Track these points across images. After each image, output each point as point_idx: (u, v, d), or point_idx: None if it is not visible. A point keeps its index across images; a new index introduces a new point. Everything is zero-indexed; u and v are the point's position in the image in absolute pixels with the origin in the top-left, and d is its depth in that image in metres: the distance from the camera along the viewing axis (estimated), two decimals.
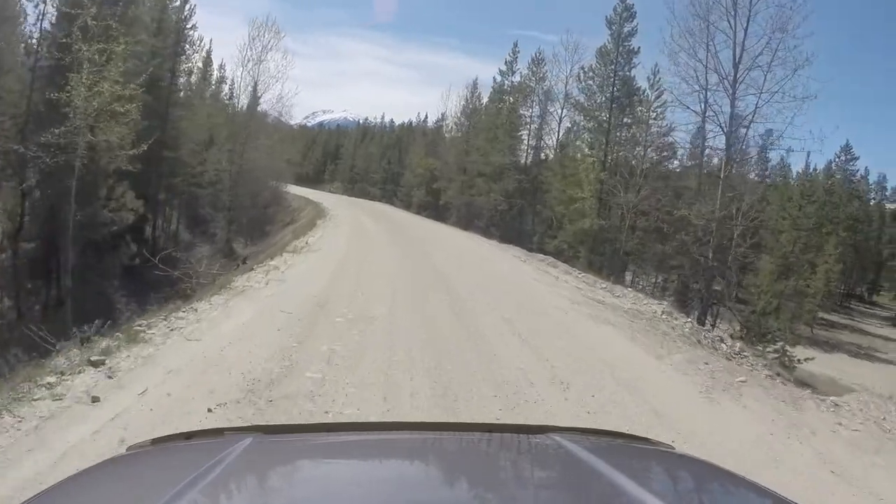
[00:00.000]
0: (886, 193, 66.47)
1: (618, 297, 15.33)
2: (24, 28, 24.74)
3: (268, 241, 34.64)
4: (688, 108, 24.65)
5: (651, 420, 6.10)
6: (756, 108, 22.71)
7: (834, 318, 46.22)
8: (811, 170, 44.57)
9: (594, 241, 31.32)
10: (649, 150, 32.20)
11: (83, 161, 19.80)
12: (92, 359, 6.47)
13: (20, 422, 4.81)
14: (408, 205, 56.72)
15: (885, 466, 5.62)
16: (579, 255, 30.44)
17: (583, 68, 35.48)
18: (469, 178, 43.66)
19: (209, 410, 5.28)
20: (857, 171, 57.30)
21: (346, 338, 7.88)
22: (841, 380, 26.03)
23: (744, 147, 24.52)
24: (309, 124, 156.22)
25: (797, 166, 48.20)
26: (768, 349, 20.96)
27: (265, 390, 5.85)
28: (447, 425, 2.71)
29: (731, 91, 22.88)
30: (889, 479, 5.37)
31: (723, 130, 23.90)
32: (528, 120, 42.60)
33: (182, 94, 38.94)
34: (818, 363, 24.93)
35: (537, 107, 41.89)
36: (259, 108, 41.18)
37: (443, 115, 58.59)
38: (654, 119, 32.32)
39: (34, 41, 23.49)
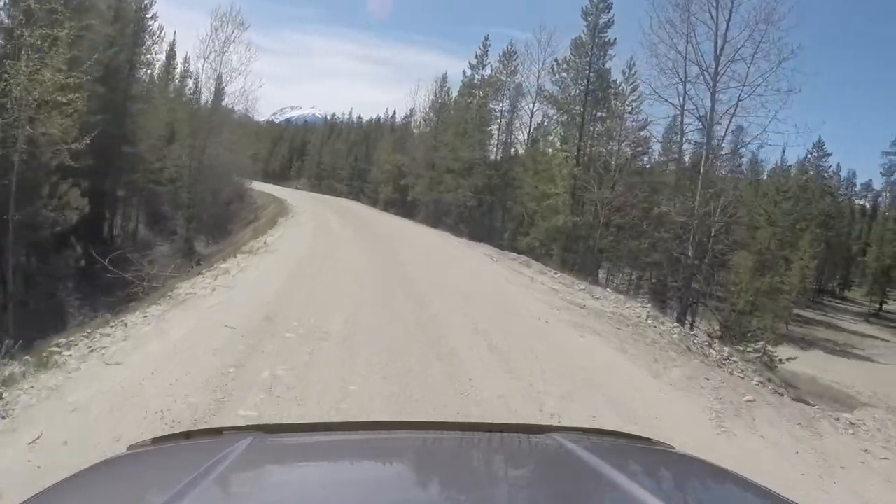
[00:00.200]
0: (856, 189, 67.36)
1: (598, 299, 14.33)
2: None
3: (230, 240, 33.30)
4: (666, 100, 23.67)
5: None
6: (738, 101, 21.80)
7: (808, 314, 46.10)
8: (787, 165, 44.42)
9: (567, 239, 30.45)
10: (624, 144, 31.41)
11: (23, 156, 18.31)
12: None
13: None
14: (375, 201, 55.90)
15: None
16: (552, 252, 29.66)
17: (556, 60, 34.68)
18: (437, 174, 42.81)
19: None
20: (830, 167, 58.16)
21: (294, 359, 6.69)
22: (821, 378, 25.73)
23: (721, 143, 23.70)
24: (276, 121, 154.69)
25: (770, 163, 48.15)
26: (748, 349, 20.41)
27: None
28: (447, 425, 2.56)
29: (711, 84, 21.94)
30: None
31: (703, 124, 23.01)
32: (499, 114, 41.95)
33: (142, 86, 37.60)
34: (796, 361, 24.43)
35: (508, 101, 41.14)
36: (223, 103, 39.96)
37: (411, 111, 57.93)
38: (630, 113, 31.53)
39: None
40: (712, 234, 22.62)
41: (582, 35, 32.58)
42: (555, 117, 35.72)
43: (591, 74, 32.27)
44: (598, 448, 1.72)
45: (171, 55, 49.95)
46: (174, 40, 50.29)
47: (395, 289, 11.76)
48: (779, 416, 6.86)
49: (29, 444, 4.45)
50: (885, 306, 56.08)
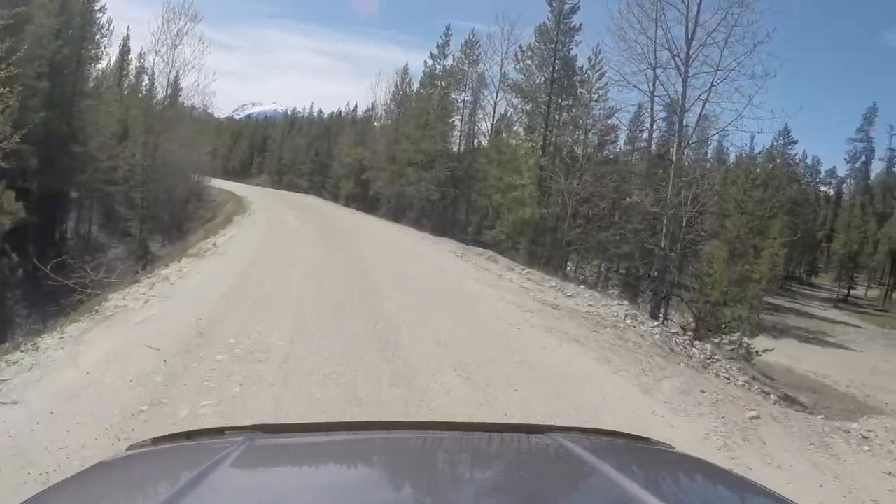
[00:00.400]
0: (820, 177, 67.88)
1: (571, 297, 13.37)
2: None
3: (187, 240, 32.02)
4: (635, 87, 22.67)
5: None
6: (711, 86, 20.90)
7: (778, 301, 45.90)
8: (755, 153, 44.17)
9: (535, 231, 29.55)
10: (591, 133, 30.56)
11: None
12: None
13: None
14: (336, 196, 54.80)
15: None
16: (519, 246, 28.75)
17: (520, 47, 33.56)
18: (399, 166, 41.81)
19: None
20: (796, 154, 58.57)
21: (221, 390, 5.56)
22: (796, 368, 25.41)
23: (694, 130, 22.82)
24: (237, 117, 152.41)
25: (735, 151, 48.10)
26: (724, 341, 19.78)
27: None
28: (447, 425, 2.37)
29: (683, 69, 21.00)
30: None
31: (674, 110, 22.14)
32: (461, 105, 41.02)
33: (91, 82, 35.74)
34: (771, 351, 23.87)
35: (470, 91, 40.22)
36: (179, 99, 38.64)
37: (373, 104, 56.81)
38: (597, 101, 30.68)
39: None
40: (683, 223, 21.86)
41: (547, 21, 31.61)
42: (519, 106, 34.73)
43: (557, 62, 31.29)
44: (597, 448, 1.73)
45: (125, 51, 48.66)
46: (128, 35, 49.06)
47: (351, 294, 10.61)
48: (788, 435, 6.20)
49: None
50: (852, 291, 56.39)
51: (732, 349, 18.73)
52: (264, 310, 8.77)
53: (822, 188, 68.91)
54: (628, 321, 11.43)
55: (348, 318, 8.76)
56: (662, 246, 21.55)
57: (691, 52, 20.79)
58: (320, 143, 73.30)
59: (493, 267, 16.91)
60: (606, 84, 29.23)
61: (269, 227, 23.22)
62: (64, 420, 4.78)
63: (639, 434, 2.12)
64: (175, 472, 1.39)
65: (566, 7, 31.01)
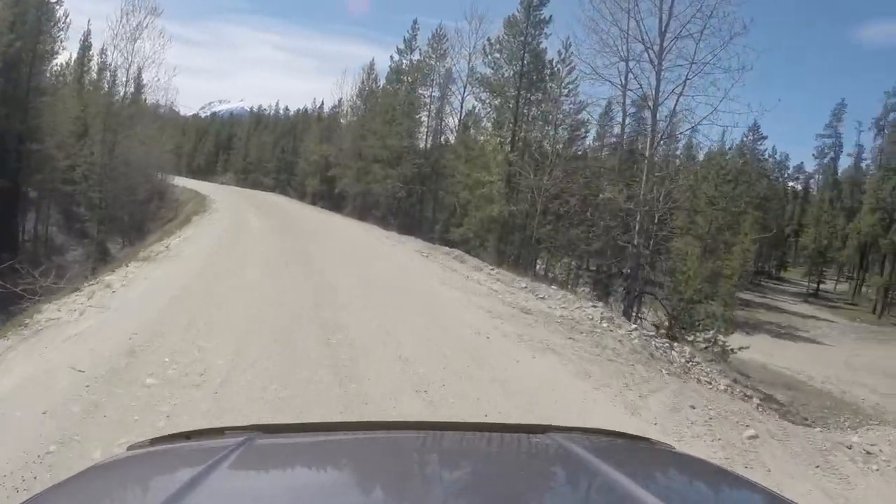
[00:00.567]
0: (788, 172, 68.54)
1: (543, 299, 12.69)
2: None
3: (147, 240, 31.02)
4: (607, 80, 22.04)
5: None
6: (686, 79, 20.34)
7: (748, 296, 45.91)
8: (727, 148, 44.06)
9: (503, 229, 29.03)
10: (561, 128, 29.99)
11: None
12: None
13: None
14: (302, 194, 54.36)
15: None
16: (487, 244, 28.24)
17: (489, 40, 33.11)
18: (366, 163, 41.22)
19: None
20: (765, 150, 59.83)
21: (144, 424, 4.70)
22: (771, 365, 25.30)
23: (668, 124, 22.27)
24: (203, 114, 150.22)
25: (704, 146, 47.88)
26: (698, 338, 19.40)
27: None
28: (447, 424, 2.38)
29: (657, 62, 20.40)
30: None
31: (647, 105, 21.57)
32: (428, 100, 40.49)
33: (48, 79, 35.16)
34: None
35: (437, 87, 39.65)
36: (141, 95, 38.03)
37: (339, 101, 55.82)
38: (567, 95, 30.15)
39: None
40: (655, 220, 21.36)
41: (516, 13, 31.15)
42: (488, 101, 34.17)
43: (526, 55, 30.79)
44: (597, 448, 1.71)
45: (86, 46, 47.40)
46: (89, 30, 47.80)
47: (307, 304, 9.74)
48: (791, 455, 5.71)
49: None
50: (821, 286, 56.73)
51: (707, 347, 18.33)
52: (206, 325, 7.86)
53: (790, 184, 69.83)
54: (604, 325, 10.82)
55: (298, 331, 7.91)
56: (635, 243, 21.01)
57: (665, 45, 20.21)
58: (286, 141, 72.97)
59: (461, 267, 16.20)
60: (577, 78, 28.98)
61: (228, 228, 22.29)
62: None
63: (638, 434, 2.15)
64: (174, 473, 1.38)
65: None
